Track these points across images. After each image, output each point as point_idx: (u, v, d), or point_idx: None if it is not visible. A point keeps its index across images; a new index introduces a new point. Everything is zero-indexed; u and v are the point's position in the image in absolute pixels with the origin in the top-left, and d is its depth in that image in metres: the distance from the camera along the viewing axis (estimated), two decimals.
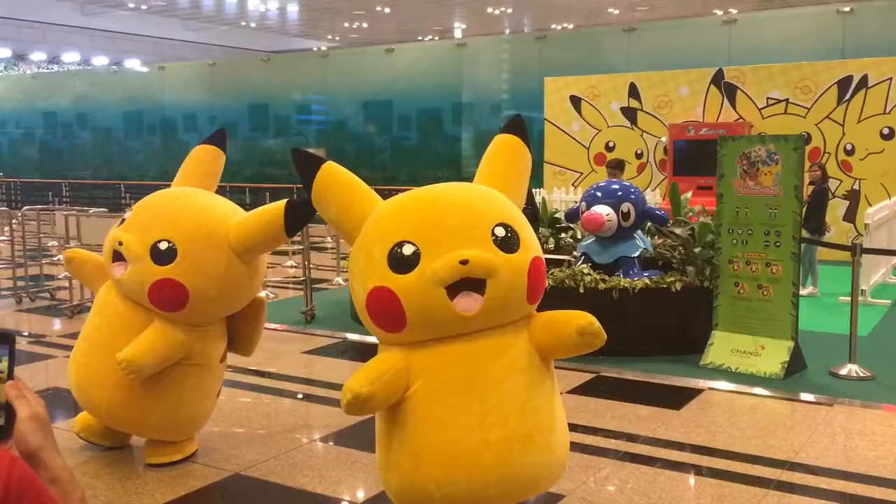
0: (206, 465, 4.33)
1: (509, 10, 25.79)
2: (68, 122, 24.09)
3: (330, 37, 32.60)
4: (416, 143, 18.94)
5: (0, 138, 25.74)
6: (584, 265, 6.66)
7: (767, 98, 12.06)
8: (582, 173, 13.59)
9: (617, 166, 9.17)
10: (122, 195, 20.25)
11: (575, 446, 3.81)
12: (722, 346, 6.14)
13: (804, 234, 7.02)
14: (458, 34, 29.89)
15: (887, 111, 11.33)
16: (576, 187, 13.18)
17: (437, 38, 29.81)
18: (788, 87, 11.90)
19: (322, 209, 3.26)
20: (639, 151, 13.11)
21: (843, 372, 5.89)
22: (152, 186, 9.62)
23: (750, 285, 6.09)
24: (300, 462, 4.39)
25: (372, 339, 3.49)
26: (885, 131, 11.37)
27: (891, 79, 11.30)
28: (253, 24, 30.32)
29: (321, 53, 25.58)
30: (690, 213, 7.54)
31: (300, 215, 3.96)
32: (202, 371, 4.24)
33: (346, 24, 29.02)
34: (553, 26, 26.79)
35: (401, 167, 18.68)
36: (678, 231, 6.88)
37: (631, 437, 4.71)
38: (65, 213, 9.11)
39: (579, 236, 7.53)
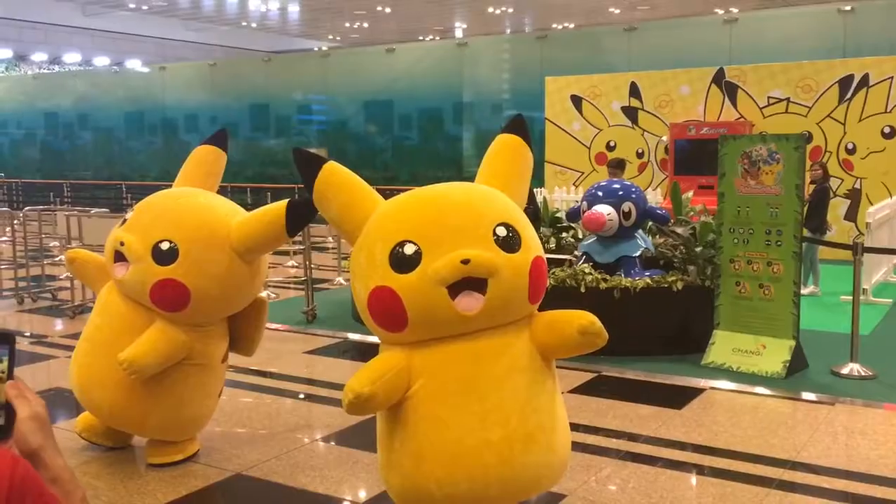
0: (207, 465, 4.34)
1: (510, 10, 25.80)
2: (69, 122, 24.11)
3: (331, 37, 32.61)
4: (417, 143, 18.95)
5: (1, 139, 25.77)
6: (586, 265, 6.66)
7: (768, 97, 12.06)
8: (583, 173, 13.58)
9: (618, 166, 9.17)
10: (123, 195, 20.26)
11: (576, 446, 3.80)
12: (723, 346, 6.14)
13: (805, 233, 7.02)
14: (458, 34, 29.89)
15: (888, 110, 11.32)
16: (577, 187, 13.19)
17: (437, 37, 29.82)
18: (789, 86, 11.89)
19: (323, 209, 3.26)
20: (640, 151, 13.11)
21: (845, 371, 5.89)
22: (154, 187, 9.63)
23: (751, 284, 6.09)
24: (302, 462, 4.39)
25: (373, 339, 3.50)
26: (887, 130, 11.36)
27: (892, 78, 11.28)
28: (254, 25, 30.34)
29: (322, 53, 25.59)
30: (691, 213, 7.54)
31: (301, 215, 3.96)
32: (204, 371, 4.24)
33: (347, 24, 29.03)
34: (554, 26, 26.79)
35: (402, 167, 18.68)
36: (679, 230, 6.88)
37: (632, 437, 4.71)
38: (66, 213, 9.12)
39: (580, 236, 7.53)
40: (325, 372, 6.40)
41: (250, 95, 20.71)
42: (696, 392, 5.57)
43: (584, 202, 6.90)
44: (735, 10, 19.89)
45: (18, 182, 23.28)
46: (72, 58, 30.82)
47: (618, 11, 24.72)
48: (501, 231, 2.96)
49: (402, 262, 2.91)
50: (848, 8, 13.34)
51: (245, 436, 4.83)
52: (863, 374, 5.84)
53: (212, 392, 4.39)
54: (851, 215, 11.54)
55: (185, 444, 4.37)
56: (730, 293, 6.19)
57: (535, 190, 9.56)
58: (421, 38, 29.63)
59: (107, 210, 10.08)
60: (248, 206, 4.29)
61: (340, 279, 10.24)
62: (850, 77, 11.51)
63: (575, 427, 3.94)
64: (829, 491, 3.98)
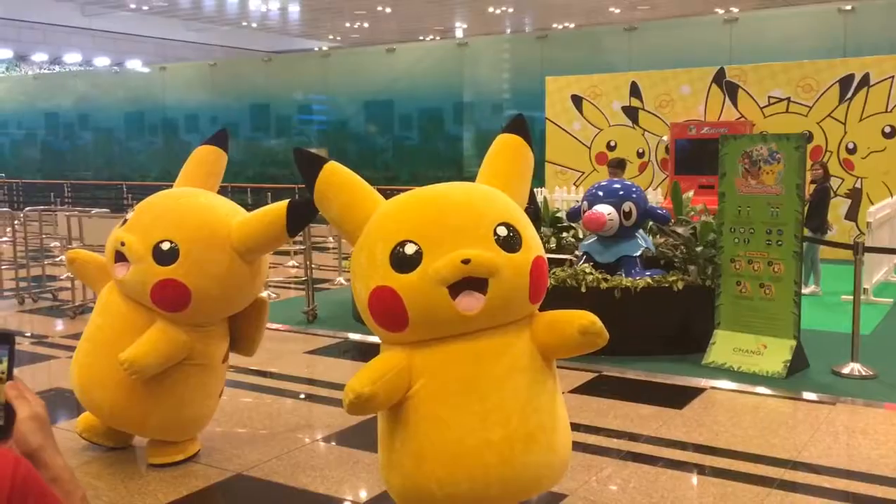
0: (208, 466, 4.34)
1: (510, 10, 25.80)
2: (70, 122, 24.12)
3: (331, 37, 32.62)
4: (418, 142, 18.95)
5: (2, 139, 25.78)
6: (586, 264, 6.65)
7: (769, 97, 12.05)
8: (583, 172, 13.58)
9: (618, 165, 9.17)
10: (124, 196, 20.27)
11: (577, 446, 3.80)
12: (724, 345, 6.14)
13: (806, 232, 7.02)
14: (459, 34, 29.90)
15: (889, 109, 11.32)
16: (577, 186, 13.19)
17: (438, 37, 29.82)
18: (790, 86, 11.89)
19: (324, 209, 3.26)
20: (640, 150, 13.10)
21: (846, 371, 5.88)
22: (154, 187, 9.64)
23: (752, 284, 6.08)
24: (302, 462, 4.39)
25: (374, 339, 3.50)
26: (887, 130, 11.36)
27: (892, 77, 11.28)
28: (254, 25, 30.35)
29: (322, 53, 25.60)
30: (692, 212, 7.54)
31: (302, 215, 3.96)
32: (204, 371, 4.24)
33: (348, 24, 29.03)
34: (554, 26, 26.80)
35: (402, 167, 18.69)
36: (680, 230, 6.88)
37: (633, 437, 4.71)
38: (67, 213, 9.12)
39: (581, 235, 7.53)
40: (325, 372, 6.40)
41: (251, 95, 20.72)
42: (696, 392, 5.57)
43: (585, 202, 6.90)
44: (735, 10, 19.89)
45: (19, 182, 23.29)
46: (72, 58, 30.84)
47: (618, 11, 24.72)
48: (502, 231, 2.96)
49: (403, 262, 2.91)
50: (848, 7, 13.34)
51: (246, 436, 4.83)
52: (864, 373, 5.84)
53: (212, 392, 4.39)
54: (852, 215, 11.54)
55: (185, 445, 4.37)
56: (730, 293, 6.19)
57: (535, 190, 9.55)
58: (421, 38, 29.63)
59: (107, 210, 10.08)
60: (249, 207, 4.30)
61: (341, 279, 10.24)
62: (851, 76, 11.51)
63: (576, 427, 3.94)
64: (830, 491, 3.98)
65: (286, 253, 11.85)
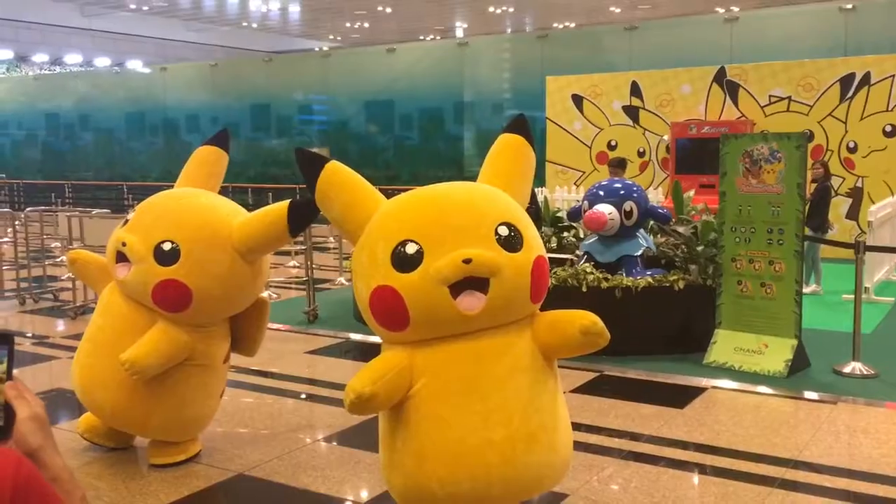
0: (209, 466, 4.34)
1: (511, 10, 25.81)
2: (70, 123, 24.13)
3: (331, 37, 32.63)
4: (418, 142, 18.95)
5: (2, 140, 25.79)
6: (587, 264, 6.65)
7: (770, 96, 12.05)
8: (584, 172, 13.58)
9: (619, 165, 9.17)
10: (124, 196, 20.29)
11: (578, 445, 3.80)
12: (725, 345, 6.14)
13: (807, 231, 7.01)
14: (459, 33, 29.91)
15: (890, 108, 11.32)
16: (578, 186, 13.19)
17: (438, 37, 29.83)
18: (791, 85, 11.89)
19: (325, 208, 3.26)
20: (641, 150, 13.10)
21: (847, 370, 5.88)
22: (155, 187, 9.64)
23: (753, 283, 6.08)
24: (304, 462, 4.39)
25: (375, 339, 3.50)
26: (888, 129, 11.36)
27: (893, 76, 11.28)
28: (254, 25, 30.37)
29: (323, 53, 25.61)
30: (693, 212, 7.53)
31: (303, 215, 3.96)
32: (206, 371, 4.24)
33: (348, 24, 29.05)
34: (555, 25, 26.80)
35: (403, 167, 18.69)
36: (681, 229, 6.87)
37: (634, 436, 4.71)
38: (68, 214, 9.12)
39: (582, 235, 7.53)
40: (326, 372, 6.40)
41: (251, 96, 20.73)
42: (698, 391, 5.57)
43: (586, 201, 6.89)
44: (736, 9, 19.88)
45: (20, 183, 23.30)
46: (72, 59, 30.86)
47: (619, 10, 24.73)
48: (503, 230, 2.96)
49: (404, 262, 2.90)
50: (849, 6, 13.33)
51: (247, 436, 4.83)
52: (865, 372, 5.84)
53: (214, 392, 4.39)
54: (853, 214, 11.54)
55: (186, 445, 4.37)
56: (731, 292, 6.18)
57: (536, 189, 9.55)
58: (421, 37, 29.64)
59: (108, 211, 10.09)
60: (250, 207, 4.30)
61: (342, 279, 10.24)
62: (852, 75, 11.51)
63: (577, 426, 3.94)
64: (832, 490, 3.98)
65: (287, 253, 11.85)
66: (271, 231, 3.99)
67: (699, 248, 6.59)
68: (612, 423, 4.93)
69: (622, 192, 6.77)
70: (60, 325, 8.15)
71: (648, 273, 6.48)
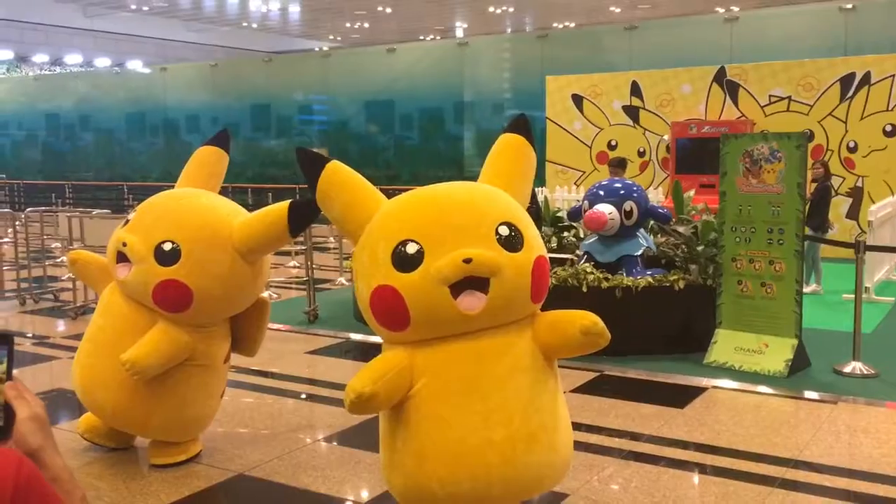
0: (210, 466, 4.34)
1: (511, 9, 25.82)
2: (71, 123, 24.14)
3: (331, 37, 32.65)
4: (418, 142, 18.95)
5: (3, 140, 25.79)
6: (587, 264, 6.65)
7: (770, 95, 12.05)
8: (584, 172, 13.58)
9: (619, 165, 9.17)
10: (125, 196, 20.29)
11: (578, 445, 3.80)
12: (725, 345, 6.14)
13: (807, 231, 7.01)
14: (459, 33, 29.91)
15: (890, 108, 11.32)
16: (578, 186, 13.19)
17: (438, 37, 29.84)
18: (791, 85, 11.89)
19: (326, 208, 3.26)
20: (641, 150, 13.10)
21: (847, 369, 5.88)
22: (155, 188, 9.64)
23: (753, 283, 6.08)
24: (304, 462, 4.39)
25: (375, 339, 3.50)
26: (888, 128, 11.36)
27: (893, 76, 11.28)
28: (254, 25, 30.38)
29: (323, 54, 25.62)
30: (693, 212, 7.53)
31: (304, 215, 3.96)
32: (206, 372, 4.24)
33: (348, 25, 29.06)
34: (555, 25, 26.81)
35: (403, 167, 18.69)
36: (681, 229, 6.87)
37: (634, 436, 4.71)
38: (68, 214, 9.13)
39: (582, 235, 7.53)
40: (326, 372, 6.40)
41: (251, 96, 20.73)
42: (698, 391, 5.57)
43: (586, 201, 6.89)
44: (736, 9, 19.88)
45: (20, 183, 23.30)
46: (73, 59, 30.87)
47: (619, 10, 24.73)
48: (504, 230, 2.96)
49: (405, 261, 2.91)
50: (849, 6, 13.33)
51: (247, 436, 4.83)
52: (865, 372, 5.84)
53: (214, 392, 4.39)
54: (853, 213, 11.54)
55: (187, 445, 4.37)
56: (732, 292, 6.18)
57: (536, 189, 9.55)
58: (421, 37, 29.65)
59: (108, 211, 10.09)
60: (250, 207, 4.30)
61: (342, 279, 10.24)
62: (852, 75, 11.51)
63: (577, 426, 3.94)
64: (832, 490, 3.98)
65: (287, 253, 11.85)
66: (272, 231, 3.99)
67: (699, 248, 6.59)
68: (613, 423, 4.93)
69: (622, 191, 6.77)
70: (61, 326, 8.16)
71: (648, 273, 6.48)
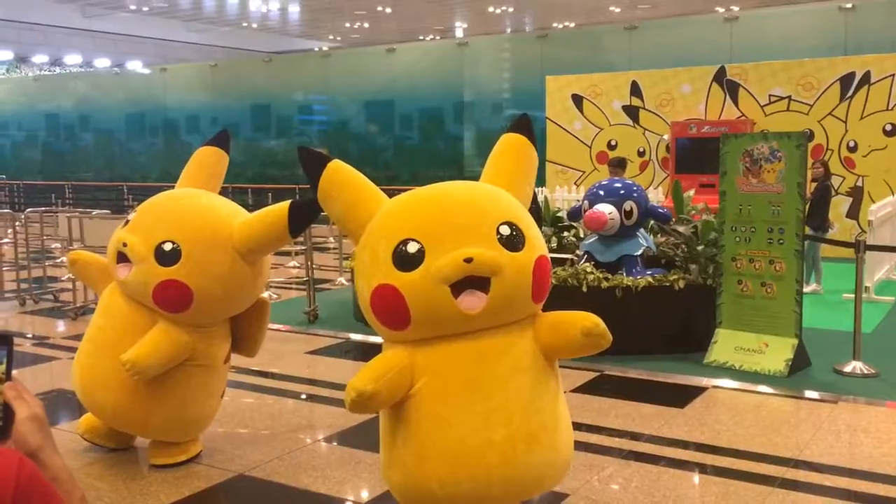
0: (210, 466, 4.34)
1: (510, 9, 25.82)
2: (70, 124, 24.14)
3: (331, 37, 32.65)
4: (418, 142, 18.96)
5: (3, 140, 25.80)
6: (587, 264, 6.65)
7: (770, 95, 12.05)
8: (584, 172, 13.58)
9: (619, 164, 9.16)
10: (125, 197, 20.29)
11: (579, 445, 3.80)
12: (726, 344, 6.14)
13: (807, 231, 7.01)
14: (459, 33, 29.92)
15: (890, 107, 11.32)
16: (578, 186, 13.19)
17: (438, 37, 29.84)
18: (791, 84, 11.89)
19: (328, 207, 3.27)
20: (641, 149, 13.10)
21: (848, 369, 5.88)
22: (155, 188, 9.64)
23: (753, 283, 6.08)
24: (304, 462, 4.39)
25: (375, 339, 3.50)
26: (888, 128, 11.36)
27: (893, 75, 11.28)
28: (254, 25, 30.38)
29: (323, 54, 25.62)
30: (693, 211, 7.53)
31: (304, 216, 3.96)
32: (206, 372, 4.24)
33: (348, 25, 29.06)
34: (554, 25, 26.81)
35: (403, 167, 18.69)
36: (681, 229, 6.87)
37: (635, 436, 4.70)
38: (68, 214, 9.12)
39: (582, 235, 7.53)
40: (326, 372, 6.39)
41: (251, 96, 20.73)
42: (698, 391, 5.57)
43: (586, 201, 6.89)
44: (736, 9, 19.89)
45: (20, 184, 23.31)
46: (72, 59, 30.86)
47: (618, 10, 24.73)
48: (505, 230, 2.95)
49: (406, 261, 2.90)
50: (849, 5, 13.33)
51: (247, 436, 4.83)
52: (865, 372, 5.84)
53: (214, 393, 4.39)
54: (853, 213, 11.54)
55: (187, 445, 4.37)
56: (732, 291, 6.18)
57: (536, 189, 9.54)
58: (421, 37, 29.65)
59: (108, 211, 10.09)
60: (250, 207, 4.30)
61: (342, 279, 10.24)
62: (852, 75, 11.51)
63: (577, 426, 3.94)
64: (832, 489, 3.98)
65: (287, 253, 11.84)
66: (272, 231, 3.99)
67: (699, 248, 6.59)
68: (613, 423, 4.93)
69: (622, 191, 6.77)
70: (61, 326, 8.15)
71: (648, 273, 6.48)
